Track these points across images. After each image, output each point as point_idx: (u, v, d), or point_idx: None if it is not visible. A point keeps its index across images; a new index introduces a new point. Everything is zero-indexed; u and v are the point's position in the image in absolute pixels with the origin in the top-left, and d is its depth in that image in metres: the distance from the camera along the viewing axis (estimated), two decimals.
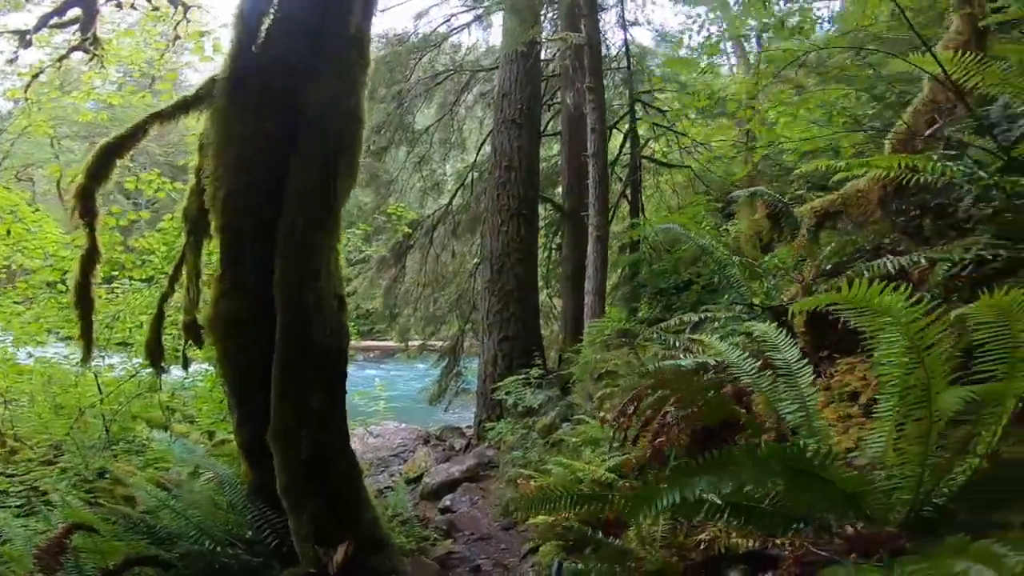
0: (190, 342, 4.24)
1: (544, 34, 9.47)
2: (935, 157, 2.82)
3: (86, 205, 3.50)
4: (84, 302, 3.65)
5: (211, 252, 4.94)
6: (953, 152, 3.03)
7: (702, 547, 2.14)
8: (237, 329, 3.03)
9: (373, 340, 16.26)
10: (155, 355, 4.52)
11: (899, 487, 1.61)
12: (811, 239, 3.42)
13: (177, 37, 5.06)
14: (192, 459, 3.66)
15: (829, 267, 3.29)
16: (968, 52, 2.68)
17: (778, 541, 1.89)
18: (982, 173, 2.74)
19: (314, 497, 2.83)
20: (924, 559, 1.28)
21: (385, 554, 2.99)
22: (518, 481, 5.10)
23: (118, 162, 3.79)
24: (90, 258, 3.65)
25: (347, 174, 3.06)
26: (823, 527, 1.70)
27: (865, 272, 2.67)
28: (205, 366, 6.08)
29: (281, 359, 2.85)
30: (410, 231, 9.34)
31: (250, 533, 3.02)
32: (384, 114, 9.67)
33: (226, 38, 3.61)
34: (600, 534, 3.35)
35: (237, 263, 3.08)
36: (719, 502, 1.58)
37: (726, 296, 5.51)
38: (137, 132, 3.62)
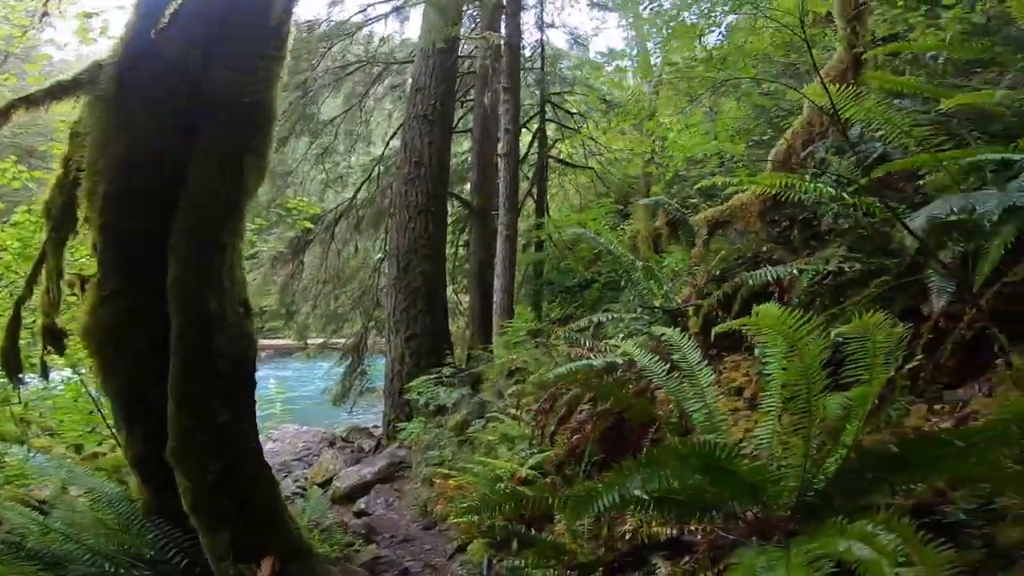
0: (49, 348, 3.76)
1: (464, 31, 9.38)
2: (807, 176, 3.20)
3: None
4: None
5: (75, 250, 4.36)
6: (823, 171, 3.46)
7: (627, 537, 2.30)
8: (121, 339, 2.72)
9: (266, 339, 15.29)
10: (11, 364, 3.93)
11: (786, 476, 1.85)
12: (703, 246, 3.76)
13: (45, 14, 4.36)
14: (69, 477, 3.24)
15: (718, 272, 3.64)
16: (844, 82, 3.07)
17: (692, 528, 2.08)
18: (844, 194, 3.16)
19: (229, 514, 2.64)
20: (813, 539, 1.49)
21: (311, 564, 2.86)
22: (435, 481, 5.08)
23: None
24: None
25: (255, 171, 2.85)
26: (730, 514, 1.91)
27: (749, 280, 2.98)
28: (66, 374, 5.40)
29: (179, 371, 2.60)
30: (310, 225, 8.86)
31: (152, 553, 2.78)
32: (286, 103, 9.06)
33: (117, 21, 3.19)
34: (523, 530, 3.47)
35: (120, 266, 2.76)
36: (646, 497, 1.71)
37: (628, 296, 5.89)
38: None
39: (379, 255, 10.13)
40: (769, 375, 2.29)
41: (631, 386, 3.24)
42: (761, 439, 2.20)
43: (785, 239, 3.87)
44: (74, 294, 3.30)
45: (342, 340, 10.46)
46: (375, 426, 9.16)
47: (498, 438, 4.66)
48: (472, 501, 4.09)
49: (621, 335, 4.12)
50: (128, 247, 2.76)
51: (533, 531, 3.36)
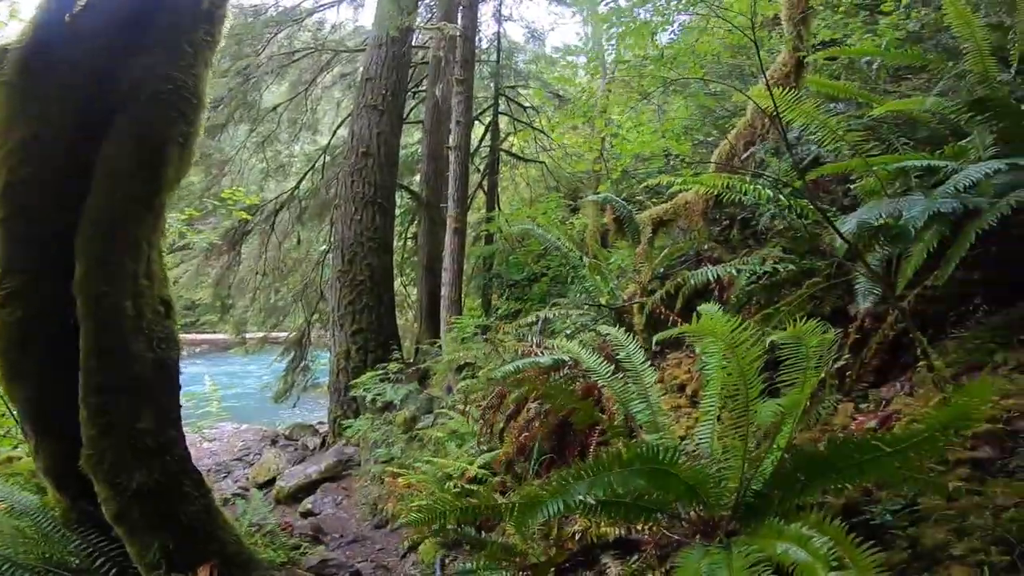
0: None
1: (419, 21, 9.09)
2: (748, 177, 3.27)
3: None
4: None
5: None
6: (762, 173, 3.54)
7: (577, 537, 2.28)
8: (25, 342, 2.46)
9: (201, 334, 14.51)
10: None
11: (727, 477, 1.87)
12: (648, 244, 3.79)
13: None
14: None
15: (662, 270, 3.68)
16: (787, 85, 3.13)
17: (639, 528, 2.08)
18: (781, 195, 3.24)
19: (158, 526, 2.46)
20: (753, 540, 1.50)
21: (253, 572, 2.69)
22: (385, 479, 4.95)
23: None
24: None
25: (178, 161, 2.61)
26: (674, 515, 1.92)
27: (691, 279, 3.01)
28: None
29: (91, 376, 2.37)
30: (247, 216, 8.40)
31: (77, 562, 2.59)
32: (225, 89, 8.52)
33: (29, 3, 2.84)
34: (474, 530, 3.42)
35: (23, 263, 2.48)
36: (592, 501, 1.69)
37: (574, 292, 5.91)
38: None
39: (323, 247, 9.75)
40: (709, 375, 2.32)
41: (578, 383, 3.23)
42: (701, 438, 2.23)
43: (725, 238, 3.96)
44: None
45: (283, 334, 10.03)
46: (320, 422, 8.86)
47: (447, 435, 4.58)
48: (422, 500, 4.03)
49: (568, 331, 4.12)
50: (31, 243, 2.48)
51: (483, 533, 3.33)
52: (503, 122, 10.94)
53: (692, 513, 1.89)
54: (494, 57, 9.93)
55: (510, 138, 11.58)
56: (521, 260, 7.33)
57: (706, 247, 3.90)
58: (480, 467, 3.46)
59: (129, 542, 2.47)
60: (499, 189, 10.49)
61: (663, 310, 3.18)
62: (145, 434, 2.42)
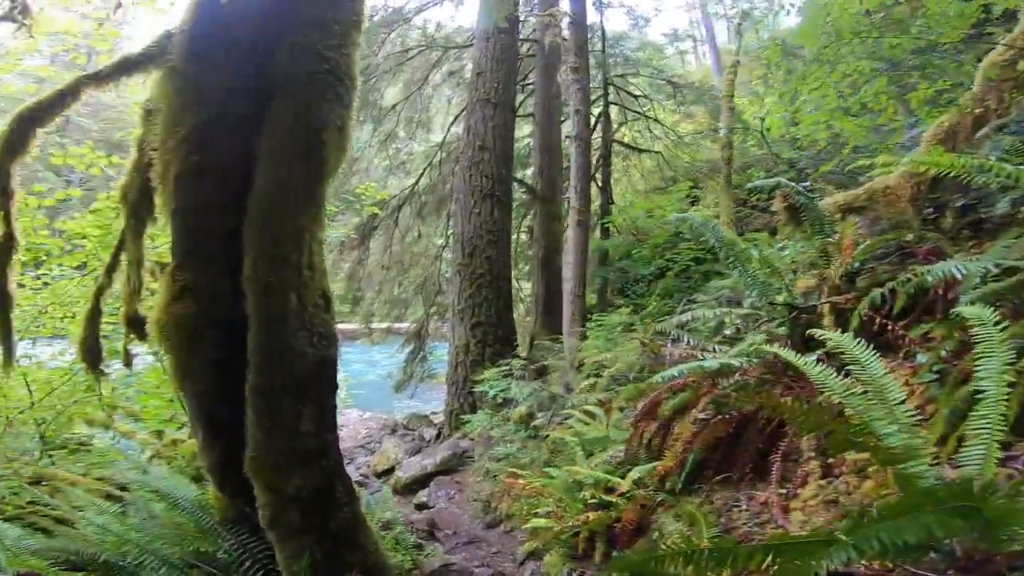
0: (133, 336, 3.54)
1: (521, 12, 8.82)
2: (991, 158, 2.52)
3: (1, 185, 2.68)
4: (1, 299, 2.84)
5: (155, 237, 4.15)
6: (997, 155, 2.76)
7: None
8: (195, 336, 2.37)
9: None
10: (92, 355, 3.74)
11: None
12: (834, 235, 3.12)
13: (119, 5, 4.13)
14: (145, 479, 3.00)
15: (857, 264, 3.00)
16: None
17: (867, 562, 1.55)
18: None
19: (310, 533, 2.30)
20: None
21: None
22: (505, 479, 4.69)
23: (43, 133, 2.98)
24: (6, 247, 2.83)
25: (337, 146, 2.42)
26: (939, 550, 1.42)
27: (927, 276, 2.35)
28: (151, 359, 5.27)
29: (257, 375, 2.24)
30: (377, 211, 8.59)
31: (226, 557, 2.52)
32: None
33: None
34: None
35: (194, 255, 2.40)
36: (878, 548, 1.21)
37: (713, 288, 5.25)
38: (64, 97, 2.79)
39: (440, 241, 9.80)
40: (986, 392, 1.76)
41: (762, 390, 2.69)
42: (971, 464, 1.68)
43: (936, 227, 3.17)
44: (157, 281, 3.05)
45: (405, 325, 10.24)
46: (434, 413, 8.90)
47: (574, 439, 4.20)
48: (547, 506, 3.70)
49: (727, 332, 3.55)
50: (202, 234, 2.40)
51: (618, 547, 2.93)
52: (613, 112, 10.34)
53: (962, 550, 1.36)
54: (598, 47, 9.37)
55: (621, 128, 10.94)
56: (648, 254, 6.75)
57: (909, 237, 3.15)
58: (634, 482, 3.03)
59: (279, 548, 2.33)
60: (611, 181, 9.93)
61: (872, 313, 2.54)
62: (305, 436, 2.25)
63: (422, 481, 6.16)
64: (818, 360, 2.12)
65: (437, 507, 5.49)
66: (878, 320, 2.51)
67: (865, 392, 1.90)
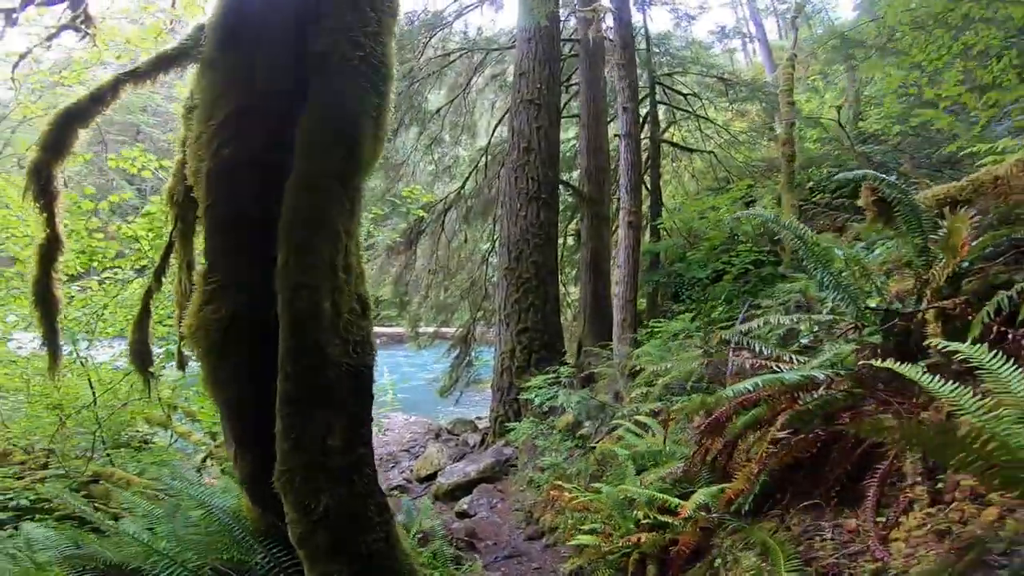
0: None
1: (561, 12, 8.54)
2: None
3: (41, 185, 2.63)
4: (45, 302, 2.80)
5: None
6: None
7: None
8: (227, 341, 2.21)
9: (381, 327, 15.47)
10: (142, 358, 3.70)
11: None
12: (935, 232, 2.67)
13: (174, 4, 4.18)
14: (185, 488, 2.90)
15: (966, 263, 2.54)
16: None
17: None
18: None
19: (339, 555, 2.09)
20: None
21: None
22: (551, 492, 4.39)
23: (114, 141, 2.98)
24: (50, 249, 2.79)
25: (373, 139, 2.23)
26: None
27: None
28: None
29: (285, 382, 2.04)
30: (424, 214, 8.49)
31: (260, 568, 2.39)
32: (394, 93, 8.78)
33: None
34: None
35: (226, 256, 2.25)
36: None
37: (780, 292, 4.78)
38: (104, 94, 2.74)
39: (486, 245, 9.61)
40: None
41: (848, 412, 2.28)
42: None
43: None
44: None
45: (451, 330, 10.11)
46: (479, 418, 8.70)
47: (624, 450, 3.85)
48: (595, 524, 3.39)
49: (804, 341, 3.12)
50: (235, 232, 2.24)
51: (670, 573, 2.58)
52: (660, 112, 9.86)
53: None
54: (642, 46, 8.93)
55: (670, 128, 10.43)
56: (703, 256, 6.29)
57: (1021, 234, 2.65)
58: (698, 504, 2.68)
59: (309, 568, 2.13)
60: (660, 183, 9.46)
61: (994, 322, 2.09)
62: (336, 452, 2.04)
63: (465, 488, 5.95)
64: (923, 373, 1.72)
65: (478, 515, 5.26)
66: (995, 327, 2.07)
67: (1009, 414, 1.49)
